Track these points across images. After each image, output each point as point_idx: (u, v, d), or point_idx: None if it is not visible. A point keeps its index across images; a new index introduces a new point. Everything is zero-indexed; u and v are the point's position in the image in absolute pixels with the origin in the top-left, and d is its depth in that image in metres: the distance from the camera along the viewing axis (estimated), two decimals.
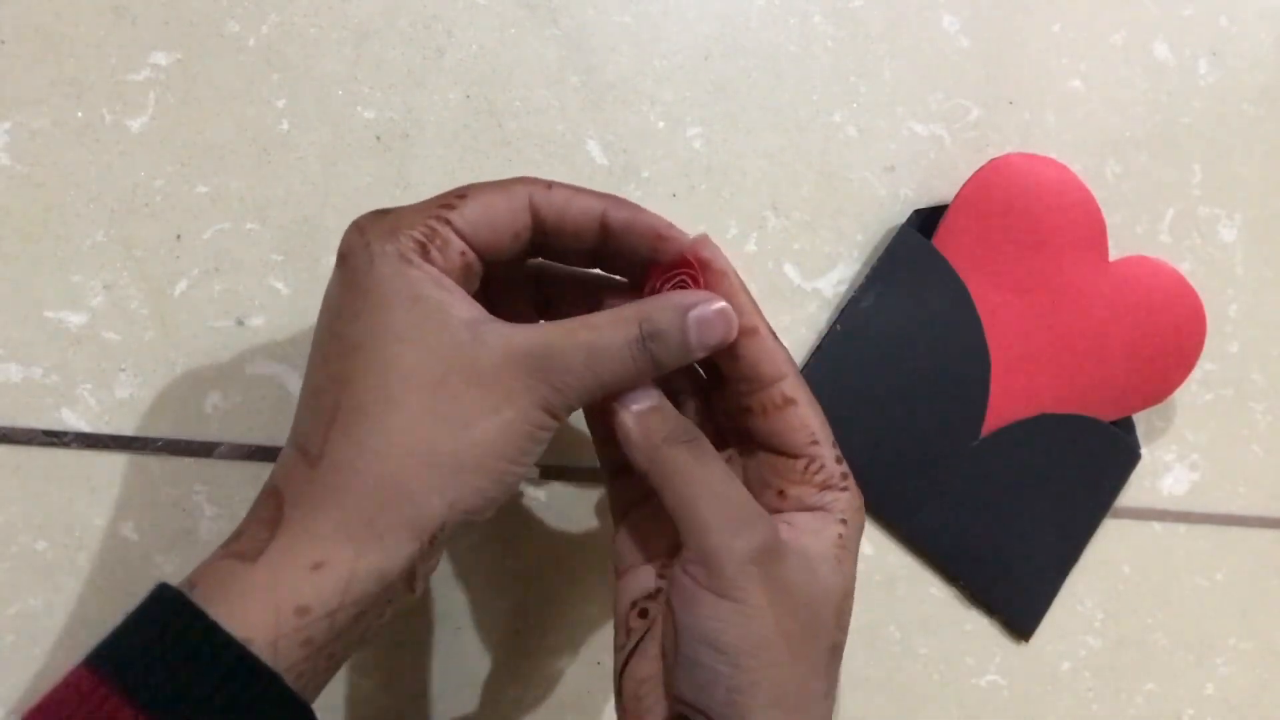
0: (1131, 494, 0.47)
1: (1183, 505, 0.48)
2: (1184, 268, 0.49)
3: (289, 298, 0.39)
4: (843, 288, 0.44)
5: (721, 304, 0.29)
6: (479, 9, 0.42)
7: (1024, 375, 0.44)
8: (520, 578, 0.41)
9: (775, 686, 0.27)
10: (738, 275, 0.30)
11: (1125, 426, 0.46)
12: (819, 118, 0.45)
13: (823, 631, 0.28)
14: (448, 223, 0.28)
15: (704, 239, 0.30)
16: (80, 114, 0.38)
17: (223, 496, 0.38)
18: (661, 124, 0.43)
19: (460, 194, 0.28)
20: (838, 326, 0.43)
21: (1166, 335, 0.45)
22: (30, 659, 0.36)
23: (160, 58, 0.39)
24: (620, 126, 0.43)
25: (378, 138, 0.40)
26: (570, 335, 0.27)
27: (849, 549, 0.29)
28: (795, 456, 0.29)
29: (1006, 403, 0.44)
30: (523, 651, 0.40)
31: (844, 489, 0.29)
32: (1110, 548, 0.47)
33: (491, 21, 0.42)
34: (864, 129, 0.45)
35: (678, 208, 0.43)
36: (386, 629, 0.39)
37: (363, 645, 0.28)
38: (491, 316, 0.28)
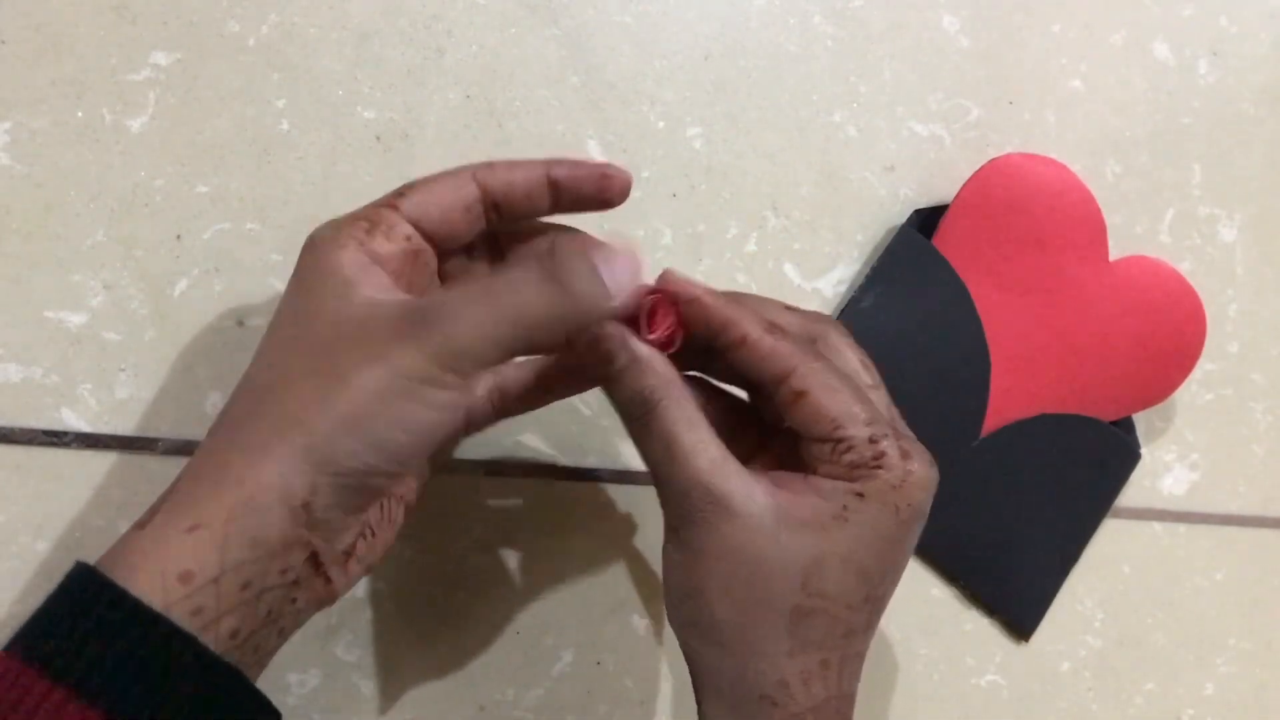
0: (1131, 494, 0.47)
1: (1183, 505, 0.48)
2: (1184, 268, 0.49)
3: None
4: (843, 288, 0.44)
5: (626, 246, 0.27)
6: (479, 9, 0.42)
7: (1024, 375, 0.44)
8: (520, 578, 0.41)
9: (711, 630, 0.28)
10: (714, 293, 0.30)
11: (1125, 426, 0.46)
12: (819, 118, 0.45)
13: (778, 593, 0.28)
14: (394, 208, 0.29)
15: (667, 274, 0.30)
16: (80, 114, 0.38)
17: None
18: (661, 124, 0.43)
19: (408, 185, 0.30)
20: None
21: (1167, 335, 0.45)
22: None
23: (160, 58, 0.39)
24: (620, 126, 0.43)
25: (378, 138, 0.40)
26: (463, 286, 0.27)
27: (851, 520, 0.28)
28: (823, 442, 0.29)
29: (1006, 403, 0.44)
30: (523, 651, 0.40)
31: (876, 467, 0.28)
32: (1110, 548, 0.47)
33: (491, 21, 0.42)
34: (864, 129, 0.45)
35: (678, 208, 0.43)
36: (388, 631, 0.39)
37: (281, 635, 0.28)
38: (406, 297, 0.28)
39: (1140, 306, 0.45)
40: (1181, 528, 0.48)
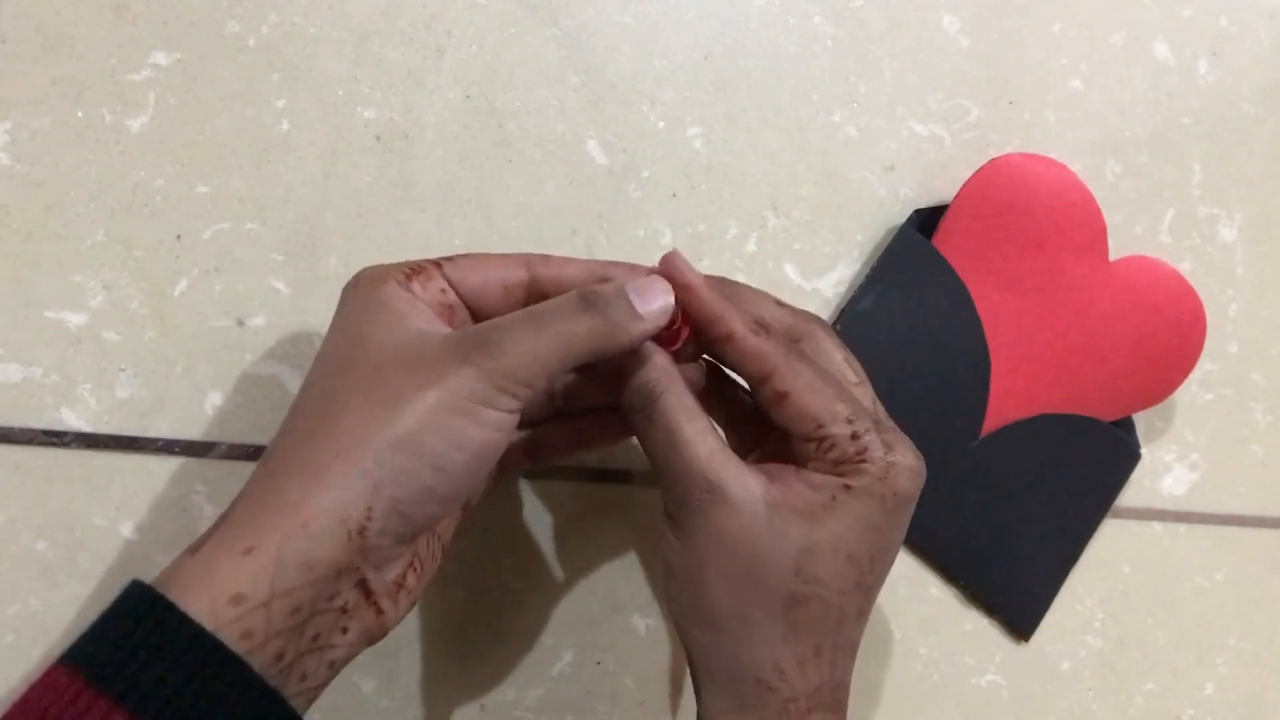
0: (1131, 494, 0.47)
1: (1183, 505, 0.48)
2: (1184, 268, 0.49)
3: (289, 298, 0.39)
4: (842, 288, 0.44)
5: (656, 276, 0.31)
6: (479, 9, 0.42)
7: (1024, 375, 0.44)
8: (520, 577, 0.41)
9: (708, 615, 0.29)
10: (709, 285, 0.31)
11: (1125, 426, 0.46)
12: (819, 118, 0.45)
13: (773, 579, 0.29)
14: (437, 265, 0.30)
15: (670, 256, 0.31)
16: (80, 114, 0.38)
17: (223, 496, 0.38)
18: (661, 124, 0.43)
19: (463, 255, 0.31)
20: (838, 326, 0.43)
21: (1167, 335, 0.45)
22: (30, 659, 0.36)
23: (160, 58, 0.39)
24: (620, 126, 0.43)
25: (378, 138, 0.40)
26: (507, 316, 0.28)
27: (839, 510, 0.29)
28: (807, 440, 0.30)
29: (1006, 403, 0.44)
30: (523, 651, 0.40)
31: (860, 461, 0.29)
32: (1110, 548, 0.47)
33: (491, 21, 0.42)
34: (864, 129, 0.45)
35: (678, 208, 0.43)
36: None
37: (331, 669, 0.28)
38: (452, 330, 0.29)
39: (1140, 307, 0.44)
40: (1181, 528, 0.48)
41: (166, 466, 0.38)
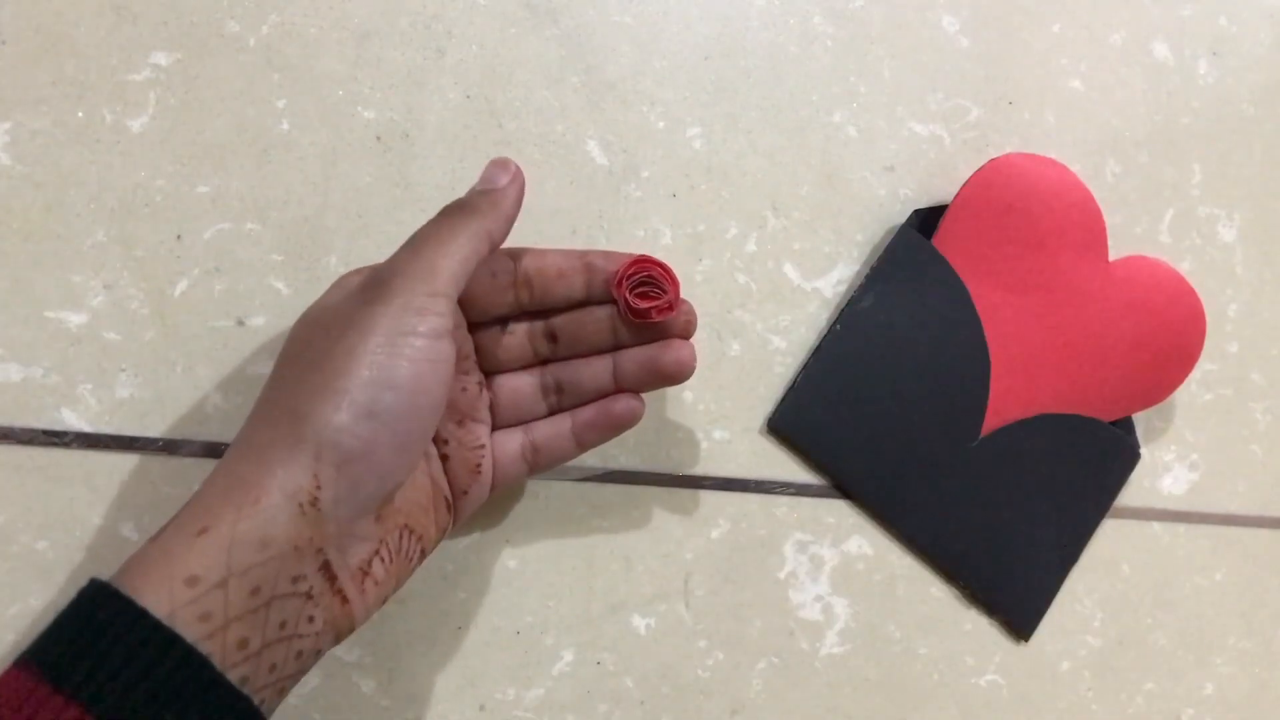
0: (1131, 494, 0.47)
1: (1183, 505, 0.48)
2: (1184, 268, 0.49)
3: (289, 298, 0.39)
4: (842, 288, 0.44)
5: (495, 160, 0.33)
6: (479, 9, 0.42)
7: (1023, 375, 0.44)
8: (520, 577, 0.41)
9: None
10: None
11: (1125, 426, 0.46)
12: (819, 118, 0.45)
13: None
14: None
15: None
16: (81, 114, 0.38)
17: None
18: (661, 124, 0.43)
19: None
20: (837, 326, 0.43)
21: (1166, 335, 0.45)
22: None
23: (160, 58, 0.39)
24: (620, 126, 0.43)
25: (378, 138, 0.40)
26: (401, 247, 0.30)
27: None
28: None
29: (1006, 403, 0.44)
30: (523, 651, 0.40)
31: None
32: (1110, 548, 0.47)
33: (491, 21, 0.42)
34: (864, 129, 0.45)
35: (678, 208, 0.43)
36: (388, 631, 0.39)
37: (300, 660, 0.27)
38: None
39: (1140, 306, 0.44)
40: (1181, 528, 0.48)
41: (166, 466, 0.38)
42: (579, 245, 0.42)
